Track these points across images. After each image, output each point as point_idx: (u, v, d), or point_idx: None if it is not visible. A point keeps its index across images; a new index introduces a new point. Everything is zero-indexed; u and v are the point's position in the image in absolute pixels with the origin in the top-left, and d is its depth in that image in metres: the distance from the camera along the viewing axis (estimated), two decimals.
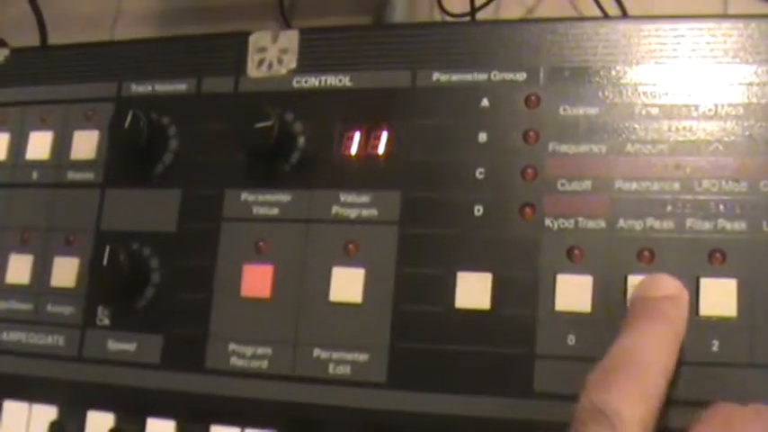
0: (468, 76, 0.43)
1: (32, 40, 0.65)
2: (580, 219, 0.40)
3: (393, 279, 0.42)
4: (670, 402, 0.38)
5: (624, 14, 0.64)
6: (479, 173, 0.42)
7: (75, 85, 0.50)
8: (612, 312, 0.39)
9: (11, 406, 0.48)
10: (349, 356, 0.42)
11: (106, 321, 0.46)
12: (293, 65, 0.46)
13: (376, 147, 0.44)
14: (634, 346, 0.34)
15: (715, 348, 0.38)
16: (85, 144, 0.49)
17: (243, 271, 0.44)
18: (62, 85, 0.50)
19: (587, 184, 0.41)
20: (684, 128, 0.40)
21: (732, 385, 0.38)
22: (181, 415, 0.45)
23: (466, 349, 0.40)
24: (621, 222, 0.40)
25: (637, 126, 0.41)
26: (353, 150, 0.44)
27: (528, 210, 0.41)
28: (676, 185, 0.40)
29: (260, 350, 0.43)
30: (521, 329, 0.40)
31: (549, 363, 0.40)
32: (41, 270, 0.48)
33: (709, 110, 0.40)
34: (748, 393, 0.37)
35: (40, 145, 0.49)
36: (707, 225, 0.39)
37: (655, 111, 0.41)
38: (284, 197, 0.44)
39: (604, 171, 0.41)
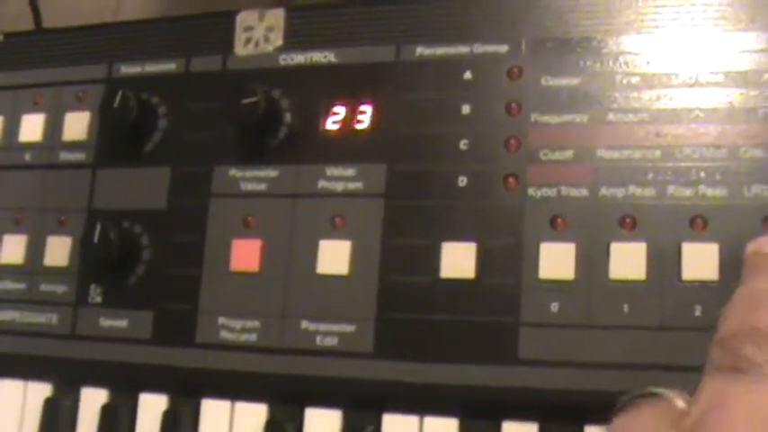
0: (451, 50, 0.44)
1: None
2: (563, 187, 0.41)
3: (379, 251, 0.42)
4: (654, 367, 0.38)
5: None
6: (463, 144, 0.42)
7: (67, 67, 0.50)
8: (595, 279, 0.40)
9: (6, 384, 0.48)
10: (336, 328, 0.42)
11: (98, 299, 0.47)
12: (279, 42, 0.47)
13: (361, 121, 0.44)
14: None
15: (698, 313, 0.38)
16: (77, 125, 0.49)
17: (232, 246, 0.45)
18: (53, 68, 0.51)
19: (569, 153, 0.41)
20: (665, 96, 0.41)
21: None
22: (172, 389, 0.46)
23: (451, 318, 0.41)
24: (603, 190, 0.40)
25: (618, 95, 0.41)
26: (339, 125, 0.44)
27: (511, 180, 0.41)
28: (657, 153, 0.40)
29: (249, 323, 0.44)
30: (505, 298, 0.40)
31: (534, 330, 0.40)
32: (35, 250, 0.49)
33: (690, 78, 0.41)
34: None
35: (32, 127, 0.50)
36: (688, 192, 0.40)
37: (635, 80, 0.41)
38: (272, 172, 0.45)
39: (586, 140, 0.41)
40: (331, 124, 0.45)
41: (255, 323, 0.43)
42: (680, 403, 0.32)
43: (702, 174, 0.40)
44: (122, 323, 0.46)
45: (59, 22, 0.69)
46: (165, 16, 0.49)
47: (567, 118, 0.41)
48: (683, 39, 0.41)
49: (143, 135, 0.47)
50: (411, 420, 0.41)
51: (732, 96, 0.40)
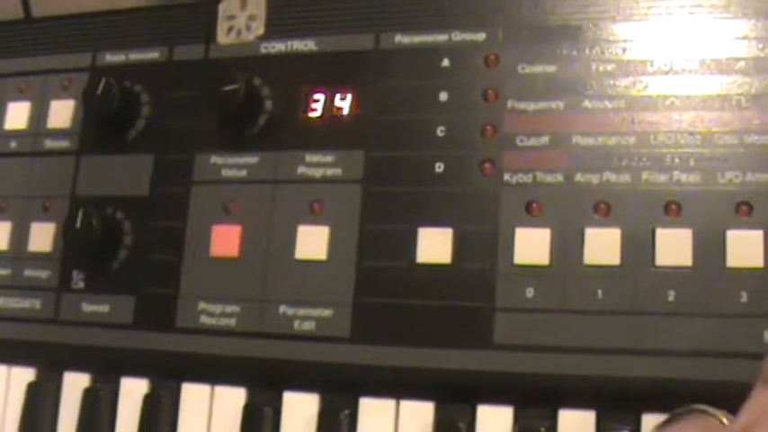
0: (430, 38, 0.44)
1: None
2: (538, 173, 0.41)
3: (357, 236, 0.43)
4: (628, 352, 0.39)
5: None
6: (440, 131, 0.43)
7: (52, 56, 0.51)
8: (570, 264, 0.40)
9: None
10: (314, 312, 0.43)
11: (81, 284, 0.47)
12: (261, 31, 0.47)
13: (340, 108, 0.45)
14: None
15: (671, 298, 0.39)
16: (62, 113, 0.50)
17: (212, 232, 0.45)
18: (39, 56, 0.51)
19: (545, 139, 0.41)
20: (640, 83, 0.41)
21: (690, 335, 0.38)
22: (153, 373, 0.46)
23: (428, 303, 0.41)
24: (579, 176, 0.41)
25: (593, 83, 0.41)
26: (318, 112, 0.45)
27: (487, 165, 0.42)
28: (632, 139, 0.41)
29: (228, 308, 0.44)
30: (481, 283, 0.41)
31: (509, 315, 0.40)
32: (19, 236, 0.49)
33: (665, 65, 0.41)
34: (706, 342, 0.38)
35: (18, 115, 0.51)
36: (662, 178, 0.40)
37: (611, 67, 0.41)
38: (252, 159, 0.45)
39: (562, 127, 0.41)
40: (310, 111, 0.45)
41: (235, 308, 0.44)
42: (725, 421, 0.32)
43: (677, 160, 0.40)
44: (104, 308, 0.46)
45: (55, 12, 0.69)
46: (148, 5, 0.49)
47: (543, 105, 0.42)
48: (658, 27, 0.41)
49: (126, 123, 0.48)
50: (387, 404, 0.42)
51: (706, 84, 0.40)
